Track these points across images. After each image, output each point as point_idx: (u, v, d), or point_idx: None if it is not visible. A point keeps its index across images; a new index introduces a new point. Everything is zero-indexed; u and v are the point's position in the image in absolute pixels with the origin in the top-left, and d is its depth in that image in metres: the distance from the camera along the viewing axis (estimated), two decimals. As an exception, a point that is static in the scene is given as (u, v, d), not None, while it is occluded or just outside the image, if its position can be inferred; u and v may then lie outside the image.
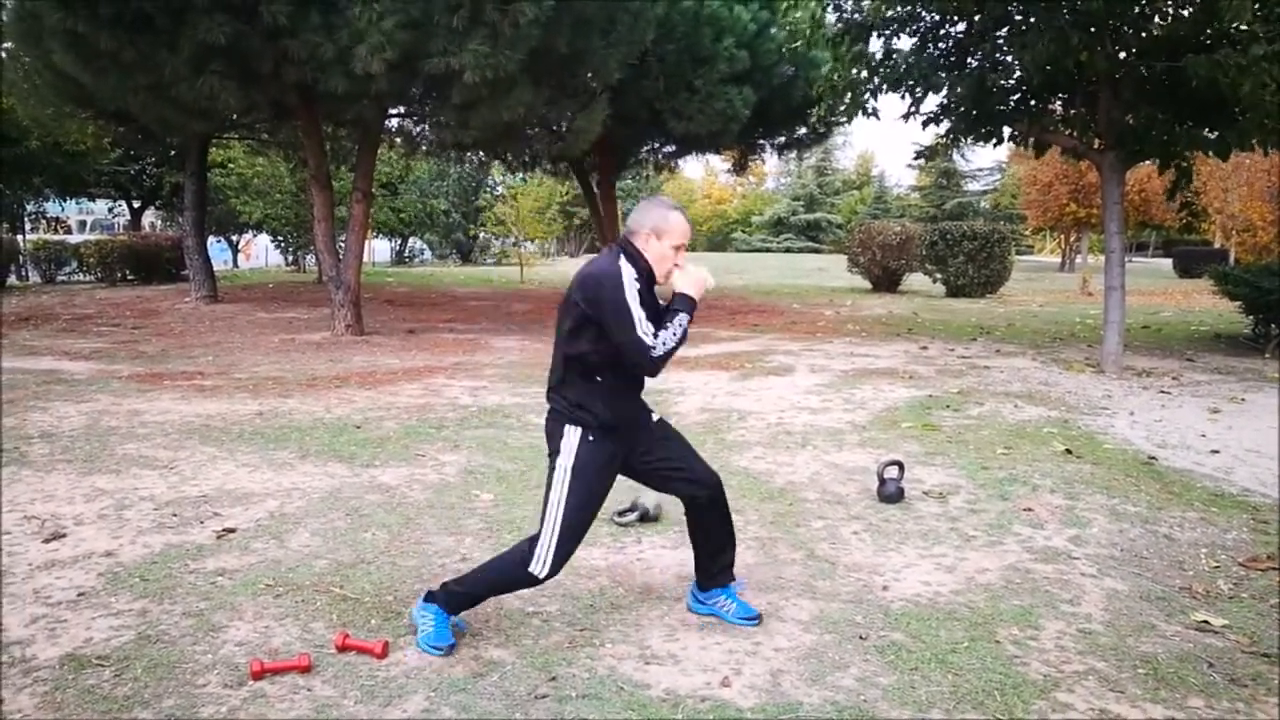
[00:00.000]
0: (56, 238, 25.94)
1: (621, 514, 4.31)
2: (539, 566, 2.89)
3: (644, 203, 3.06)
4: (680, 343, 2.87)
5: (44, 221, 27.77)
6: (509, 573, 2.98)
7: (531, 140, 14.82)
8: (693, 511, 3.23)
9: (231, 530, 4.15)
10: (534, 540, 2.93)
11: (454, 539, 4.07)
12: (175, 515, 4.37)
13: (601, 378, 2.92)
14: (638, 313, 2.81)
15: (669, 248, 2.94)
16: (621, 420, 3.00)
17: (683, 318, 2.88)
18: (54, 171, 21.53)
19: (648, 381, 3.10)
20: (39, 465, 5.24)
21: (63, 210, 30.49)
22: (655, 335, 2.83)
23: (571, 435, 2.92)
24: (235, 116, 13.14)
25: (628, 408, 3.05)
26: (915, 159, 11.69)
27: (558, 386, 2.98)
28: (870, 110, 10.11)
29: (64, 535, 4.06)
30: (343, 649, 2.95)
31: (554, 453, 2.96)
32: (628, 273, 2.85)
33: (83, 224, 37.58)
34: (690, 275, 2.96)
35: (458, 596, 3.01)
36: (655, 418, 3.20)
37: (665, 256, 2.94)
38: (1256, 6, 7.36)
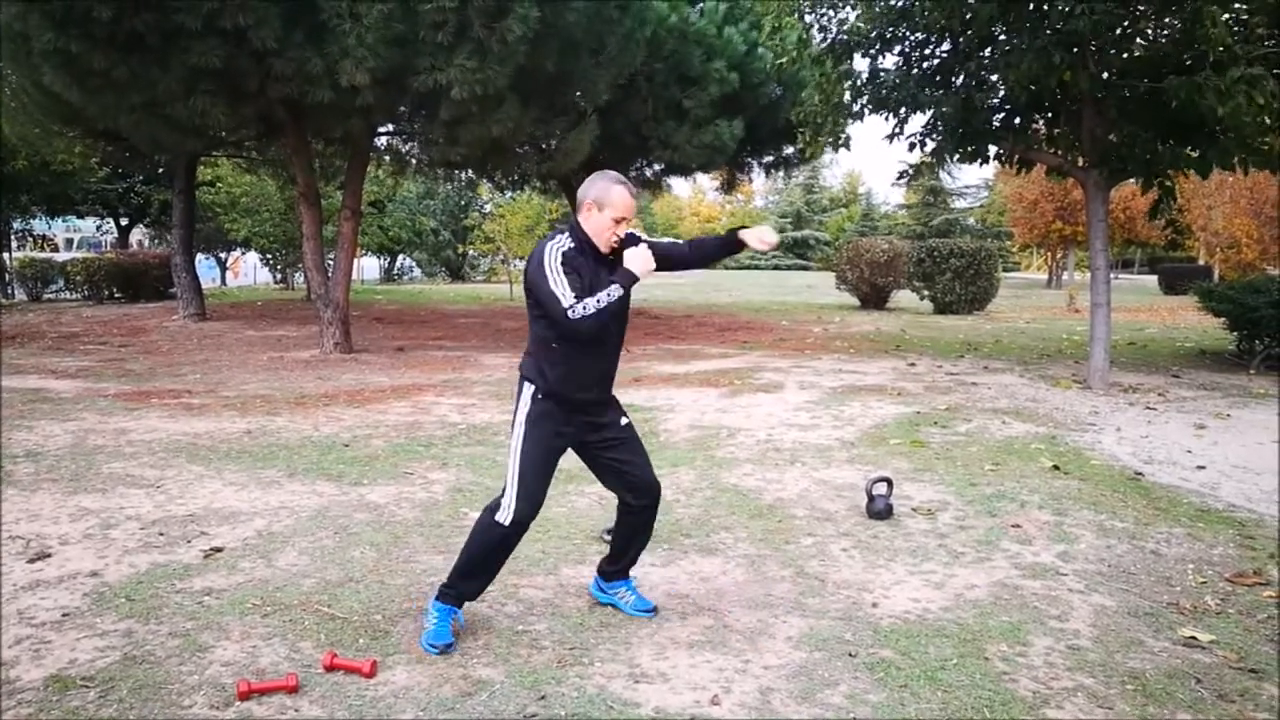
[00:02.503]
0: (43, 255, 25.85)
1: (610, 531, 4.29)
2: (505, 514, 3.09)
3: (593, 176, 3.19)
4: (604, 309, 2.96)
5: (31, 239, 27.69)
6: (482, 533, 3.15)
7: (520, 159, 14.87)
8: (626, 515, 3.41)
9: (219, 549, 4.13)
10: (503, 490, 3.13)
11: (442, 557, 4.04)
12: (162, 534, 4.34)
13: (555, 346, 3.09)
14: (554, 276, 2.99)
15: (609, 219, 3.09)
16: (573, 392, 3.15)
17: (614, 289, 2.99)
18: (41, 190, 21.51)
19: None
20: (24, 484, 5.20)
21: (50, 228, 30.41)
22: (579, 299, 2.96)
23: (527, 391, 3.15)
24: (225, 134, 13.14)
25: (583, 383, 3.16)
26: (899, 179, 11.81)
27: (526, 351, 3.22)
28: (844, 140, 10.30)
29: (49, 555, 4.03)
30: (331, 669, 2.94)
31: (515, 408, 3.20)
32: (559, 242, 3.06)
33: (70, 242, 37.48)
34: (639, 255, 3.07)
35: (456, 583, 3.20)
36: (625, 422, 3.34)
37: (605, 228, 3.10)
38: (1236, 30, 7.47)
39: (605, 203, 3.08)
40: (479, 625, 3.33)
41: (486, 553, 3.17)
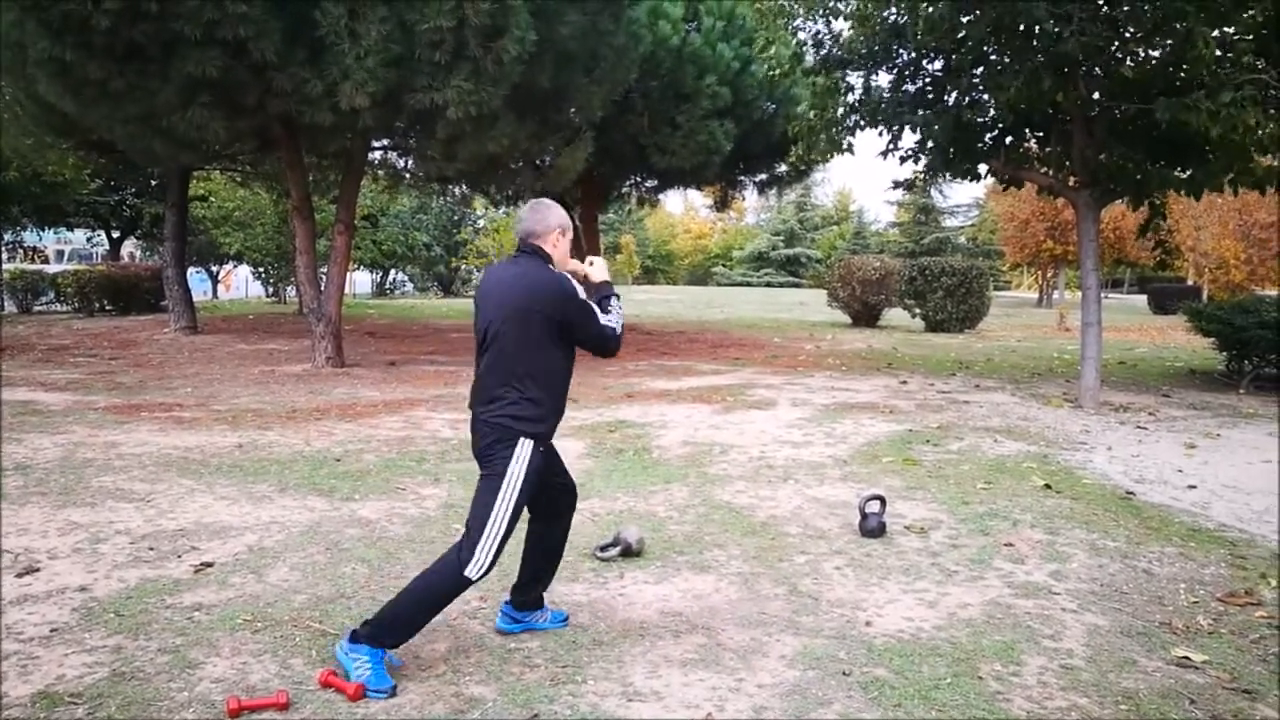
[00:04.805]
0: (34, 267, 25.75)
1: (604, 549, 4.29)
2: (476, 569, 2.96)
3: (537, 207, 3.21)
4: (621, 318, 3.20)
5: (21, 251, 27.57)
6: (441, 585, 3.01)
7: (515, 174, 14.90)
8: (549, 524, 3.40)
9: (209, 564, 4.10)
10: (467, 546, 2.97)
11: (435, 574, 4.03)
12: (152, 549, 4.31)
13: (559, 385, 3.12)
14: (591, 306, 3.09)
15: (569, 243, 3.21)
16: (559, 421, 3.20)
17: (616, 301, 3.21)
18: (32, 201, 21.42)
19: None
20: (12, 498, 5.16)
21: (40, 240, 30.30)
22: (608, 319, 3.13)
23: (524, 447, 3.01)
24: (220, 148, 13.12)
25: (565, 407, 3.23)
26: (893, 188, 11.97)
27: (508, 400, 3.01)
28: (846, 146, 10.31)
29: (37, 570, 4.00)
30: (325, 685, 2.92)
31: (499, 460, 3.01)
32: (558, 274, 3.08)
33: (61, 254, 37.31)
34: (600, 265, 3.30)
35: (387, 628, 2.98)
36: None
37: (567, 251, 3.21)
38: (1225, 52, 7.55)
39: (567, 228, 3.17)
40: (471, 643, 3.31)
41: (439, 602, 3.04)
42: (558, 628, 3.44)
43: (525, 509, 3.14)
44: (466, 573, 2.95)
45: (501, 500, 2.98)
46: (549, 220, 3.13)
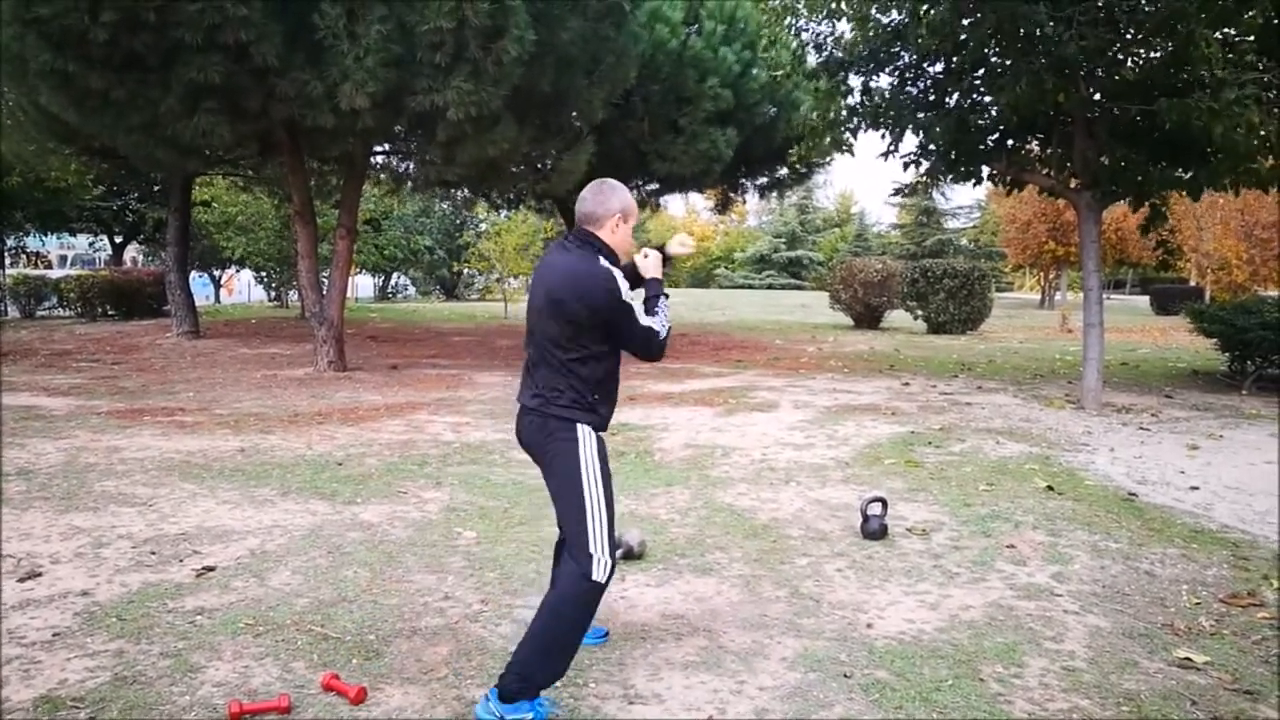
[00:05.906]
0: (37, 272, 25.80)
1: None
2: (601, 570, 2.73)
3: (600, 188, 2.95)
4: (668, 322, 2.95)
5: (24, 256, 27.64)
6: (571, 601, 2.76)
7: (517, 178, 14.92)
8: None
9: (211, 568, 4.10)
10: (578, 552, 2.76)
11: (436, 577, 4.04)
12: (154, 553, 4.32)
13: (608, 376, 2.91)
14: (637, 307, 2.84)
15: (631, 229, 2.96)
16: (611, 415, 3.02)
17: (664, 301, 2.96)
18: (35, 206, 21.49)
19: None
20: (15, 503, 5.17)
21: (44, 245, 30.39)
22: (653, 320, 2.88)
23: (584, 432, 2.84)
24: (223, 153, 13.15)
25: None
26: (894, 195, 12.00)
27: (558, 391, 2.84)
28: (847, 146, 10.31)
29: (40, 574, 4.01)
30: (327, 689, 2.92)
31: (562, 451, 2.83)
32: (606, 267, 2.82)
33: (64, 259, 37.41)
34: (653, 260, 3.03)
35: (537, 670, 2.73)
36: None
37: (629, 238, 2.97)
38: (1226, 52, 7.56)
39: (630, 212, 2.93)
40: (472, 646, 3.32)
41: (580, 620, 2.78)
42: (597, 643, 3.32)
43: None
44: (594, 578, 2.72)
45: (588, 487, 2.79)
46: (610, 204, 2.90)
